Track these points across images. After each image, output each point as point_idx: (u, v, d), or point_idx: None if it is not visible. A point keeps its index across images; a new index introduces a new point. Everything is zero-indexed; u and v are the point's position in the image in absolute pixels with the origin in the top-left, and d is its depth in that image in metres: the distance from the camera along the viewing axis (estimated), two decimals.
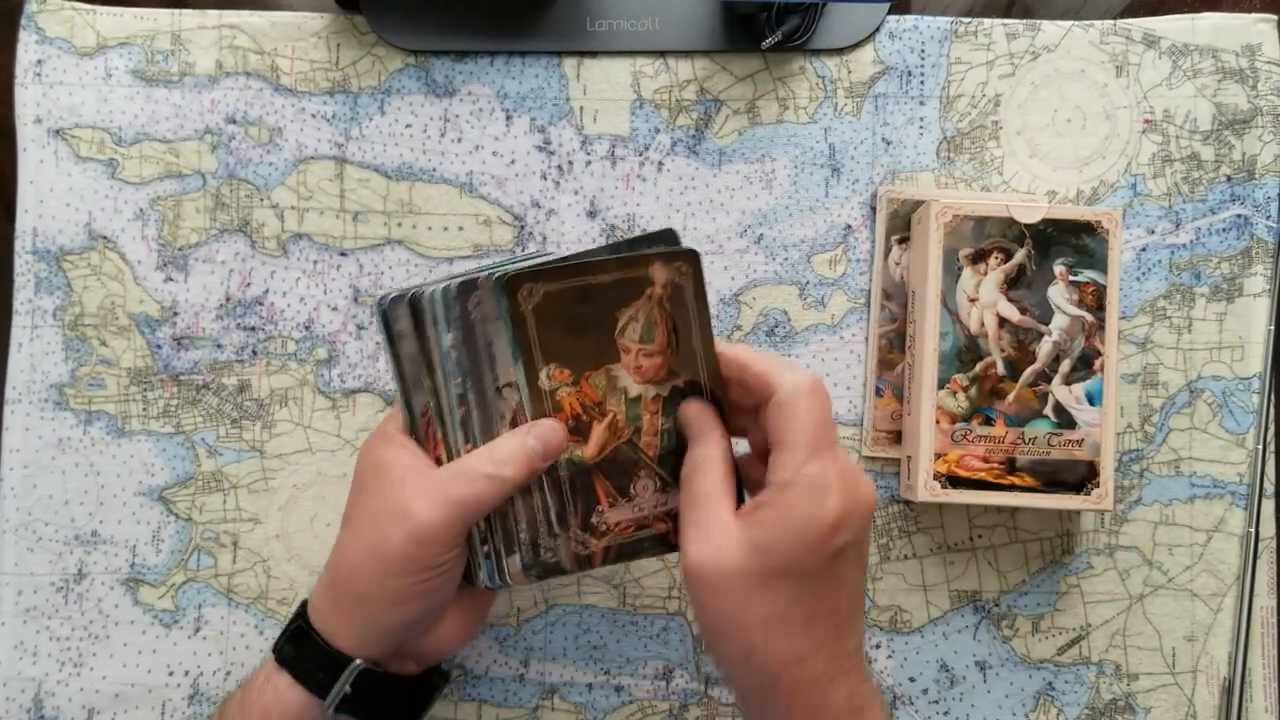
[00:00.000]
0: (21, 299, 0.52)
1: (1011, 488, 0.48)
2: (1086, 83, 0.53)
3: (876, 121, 0.53)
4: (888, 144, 0.53)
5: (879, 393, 0.52)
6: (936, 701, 0.51)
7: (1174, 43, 0.53)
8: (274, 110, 0.53)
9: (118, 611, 0.51)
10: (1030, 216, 0.48)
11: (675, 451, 0.41)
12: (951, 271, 0.48)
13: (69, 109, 0.52)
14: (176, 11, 0.53)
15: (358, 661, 0.41)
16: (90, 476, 0.51)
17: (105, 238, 0.52)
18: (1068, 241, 0.48)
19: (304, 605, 0.43)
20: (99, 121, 0.52)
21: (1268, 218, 0.52)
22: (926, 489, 0.48)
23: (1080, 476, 0.48)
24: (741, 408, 0.41)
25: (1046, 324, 0.48)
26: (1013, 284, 0.48)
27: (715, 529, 0.37)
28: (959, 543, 0.52)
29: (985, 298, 0.48)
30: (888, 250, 0.52)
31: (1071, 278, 0.48)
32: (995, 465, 0.48)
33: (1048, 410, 0.48)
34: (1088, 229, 0.48)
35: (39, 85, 0.52)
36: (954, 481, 0.48)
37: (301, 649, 0.42)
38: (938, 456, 0.48)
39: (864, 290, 0.52)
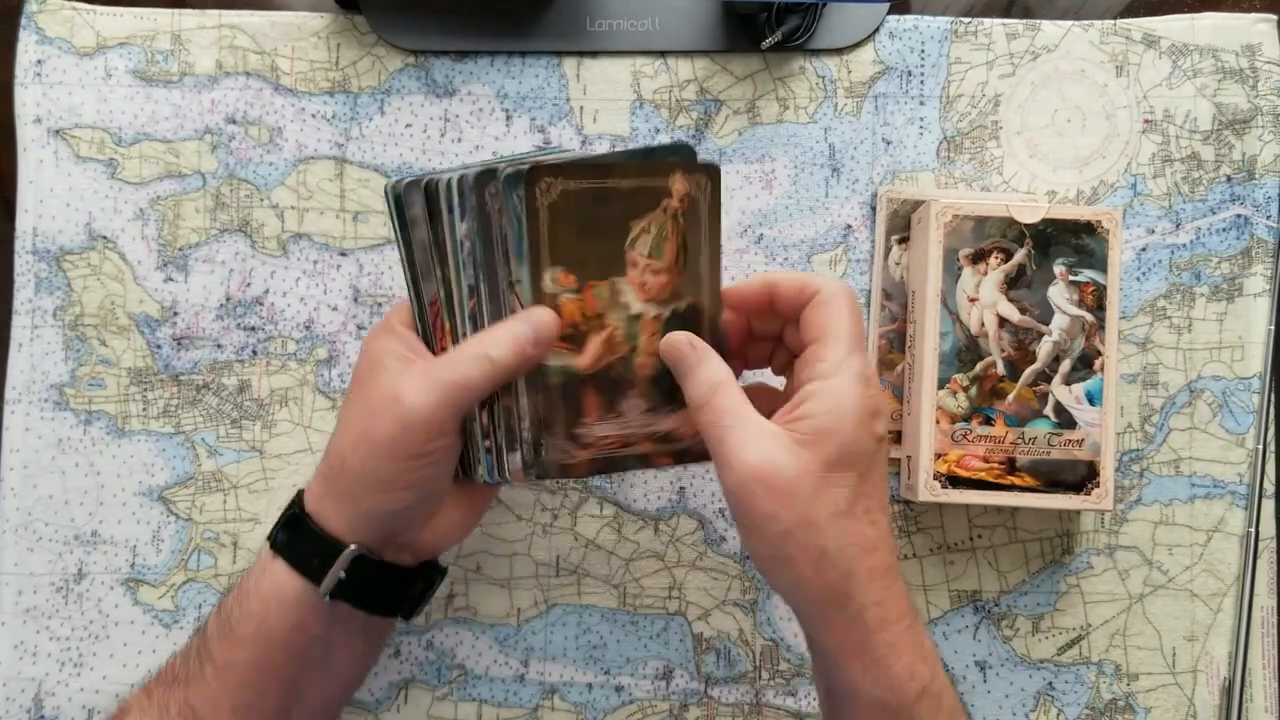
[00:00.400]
0: (21, 299, 0.52)
1: (1011, 488, 0.48)
2: (1086, 83, 0.53)
3: (876, 121, 0.53)
4: (888, 144, 0.53)
5: None
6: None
7: (1174, 43, 0.53)
8: (274, 110, 0.53)
9: (118, 611, 0.51)
10: (1030, 216, 0.48)
11: (669, 375, 0.41)
12: (951, 271, 0.48)
13: (69, 109, 0.52)
14: (176, 11, 0.53)
15: (352, 547, 0.41)
16: (90, 476, 0.51)
17: (105, 238, 0.52)
18: (1068, 241, 0.48)
19: (300, 493, 0.43)
20: (99, 121, 0.52)
21: (1268, 218, 0.52)
22: (926, 489, 0.48)
23: (1080, 476, 0.48)
24: (765, 335, 0.42)
25: (1046, 324, 0.48)
26: (1013, 284, 0.48)
27: (760, 435, 0.37)
28: (959, 543, 0.52)
29: (985, 298, 0.48)
30: (888, 250, 0.52)
31: (1071, 277, 0.48)
32: (995, 465, 0.48)
33: (1048, 410, 0.48)
34: (1088, 229, 0.48)
35: (39, 85, 0.52)
36: (954, 481, 0.48)
37: (295, 535, 0.42)
38: (938, 456, 0.48)
39: (864, 290, 0.52)
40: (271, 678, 0.41)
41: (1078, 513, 0.52)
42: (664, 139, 0.53)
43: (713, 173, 0.41)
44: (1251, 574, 0.51)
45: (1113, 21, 0.53)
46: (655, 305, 0.41)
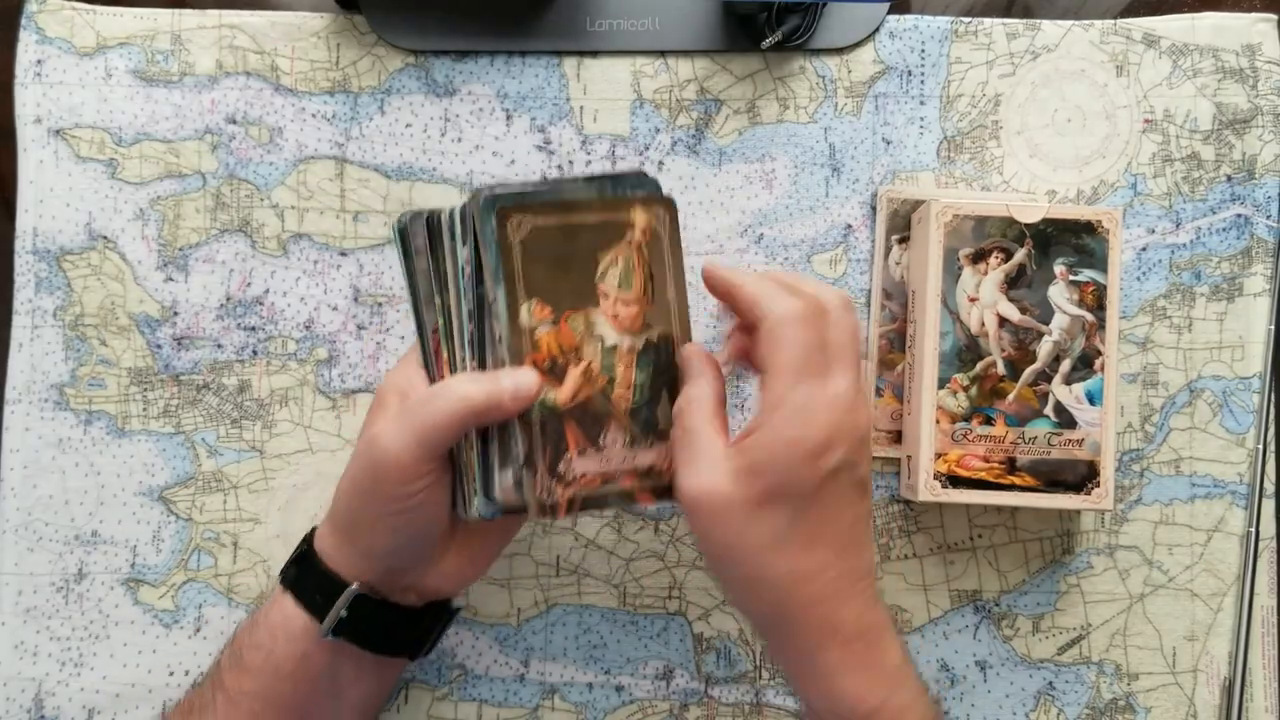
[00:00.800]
0: (21, 299, 0.52)
1: (1012, 487, 0.48)
2: (1086, 82, 0.53)
3: (877, 121, 0.53)
4: (888, 144, 0.53)
5: (879, 393, 0.52)
6: (936, 701, 0.51)
7: (1174, 42, 0.53)
8: (274, 110, 0.53)
9: (118, 611, 0.51)
10: (1030, 216, 0.48)
11: (647, 405, 0.41)
12: (951, 271, 0.48)
13: (69, 109, 0.52)
14: (176, 11, 0.53)
15: (354, 586, 0.41)
16: (90, 476, 0.51)
17: (105, 238, 0.52)
18: (1068, 241, 0.48)
19: (313, 530, 0.44)
20: (99, 121, 0.52)
21: (1268, 217, 0.52)
22: (927, 489, 0.48)
23: (1080, 476, 0.48)
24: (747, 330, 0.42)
25: (1047, 324, 0.48)
26: (1013, 284, 0.48)
27: (705, 460, 0.38)
28: (959, 542, 0.52)
29: (985, 297, 0.48)
30: (888, 250, 0.52)
31: (1072, 277, 0.48)
32: (995, 465, 0.48)
33: (1048, 410, 0.48)
34: (1088, 229, 0.48)
35: (39, 85, 0.52)
36: (954, 481, 0.48)
37: (303, 571, 0.43)
38: (938, 456, 0.48)
39: (864, 290, 0.52)
40: (280, 708, 0.42)
41: (1078, 512, 0.52)
42: (664, 139, 0.53)
43: (669, 205, 0.41)
44: (1252, 574, 0.51)
45: (1113, 21, 0.53)
46: (629, 336, 0.41)
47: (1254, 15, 0.53)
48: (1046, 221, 0.48)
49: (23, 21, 0.52)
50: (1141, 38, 0.53)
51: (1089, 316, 0.48)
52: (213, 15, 0.53)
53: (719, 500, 0.38)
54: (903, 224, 0.52)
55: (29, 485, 0.51)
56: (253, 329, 0.52)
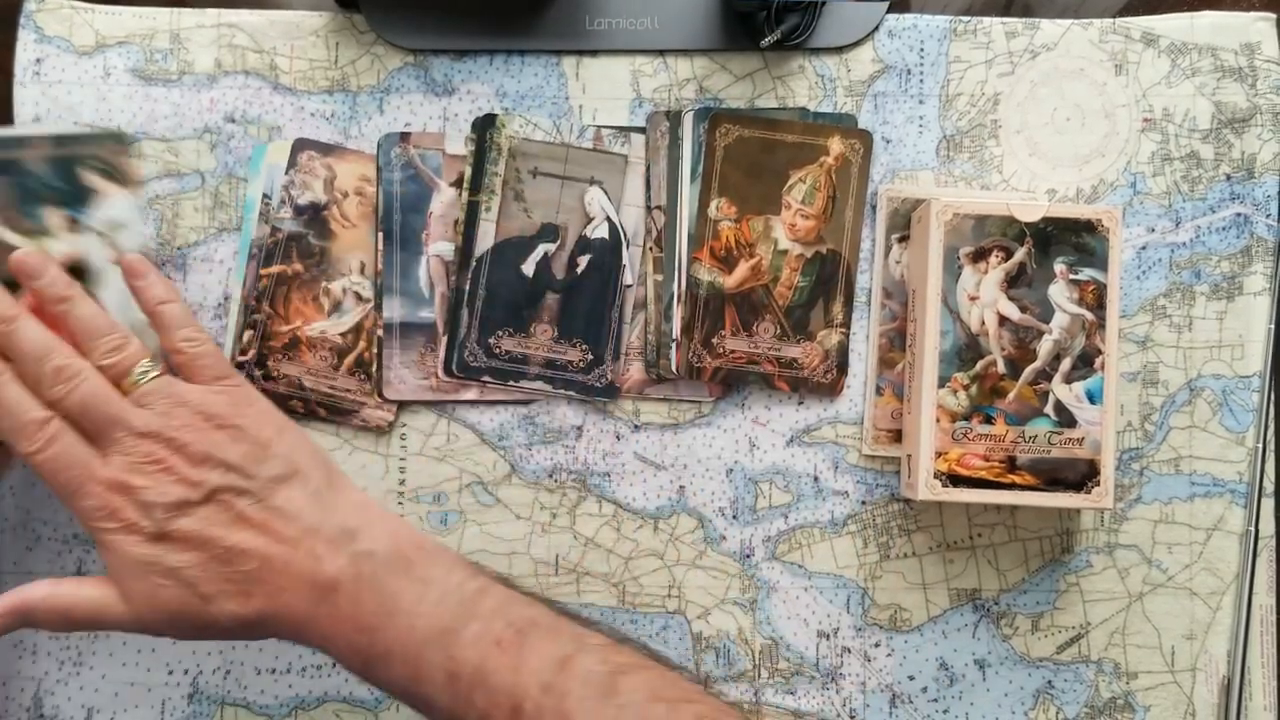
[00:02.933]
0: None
1: (1012, 486, 0.48)
2: (1086, 81, 0.53)
3: (876, 120, 0.53)
4: (887, 142, 0.53)
5: (879, 391, 0.52)
6: (936, 700, 0.51)
7: (1173, 41, 0.53)
8: (273, 109, 0.52)
9: None
10: (1030, 215, 0.48)
11: (803, 307, 0.50)
12: (952, 270, 0.48)
13: (68, 108, 0.52)
14: (175, 10, 0.53)
15: None
16: None
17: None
18: (1068, 240, 0.48)
19: None
20: (98, 120, 0.52)
21: (1267, 216, 0.52)
22: (927, 488, 0.48)
23: (1080, 475, 0.48)
24: None
25: (1047, 322, 0.48)
26: (1013, 282, 0.48)
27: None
28: (958, 541, 0.52)
29: (986, 296, 0.48)
30: (888, 249, 0.52)
31: (1072, 276, 0.48)
32: (996, 464, 0.48)
33: (1048, 409, 0.48)
34: (1088, 227, 0.48)
35: (38, 84, 0.52)
36: (954, 480, 0.48)
37: None
38: (938, 455, 0.48)
39: (864, 289, 0.52)
40: None
41: (1078, 511, 0.52)
42: None
43: (866, 138, 0.50)
44: (1251, 572, 0.51)
45: (1112, 20, 0.53)
46: (800, 245, 0.49)
47: (1253, 14, 0.53)
48: (1046, 220, 0.48)
49: (22, 20, 0.52)
50: (1140, 36, 0.53)
51: (1089, 315, 0.48)
52: (211, 14, 0.53)
53: None
54: (903, 223, 0.52)
55: (27, 484, 0.51)
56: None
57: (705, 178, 0.50)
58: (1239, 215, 0.53)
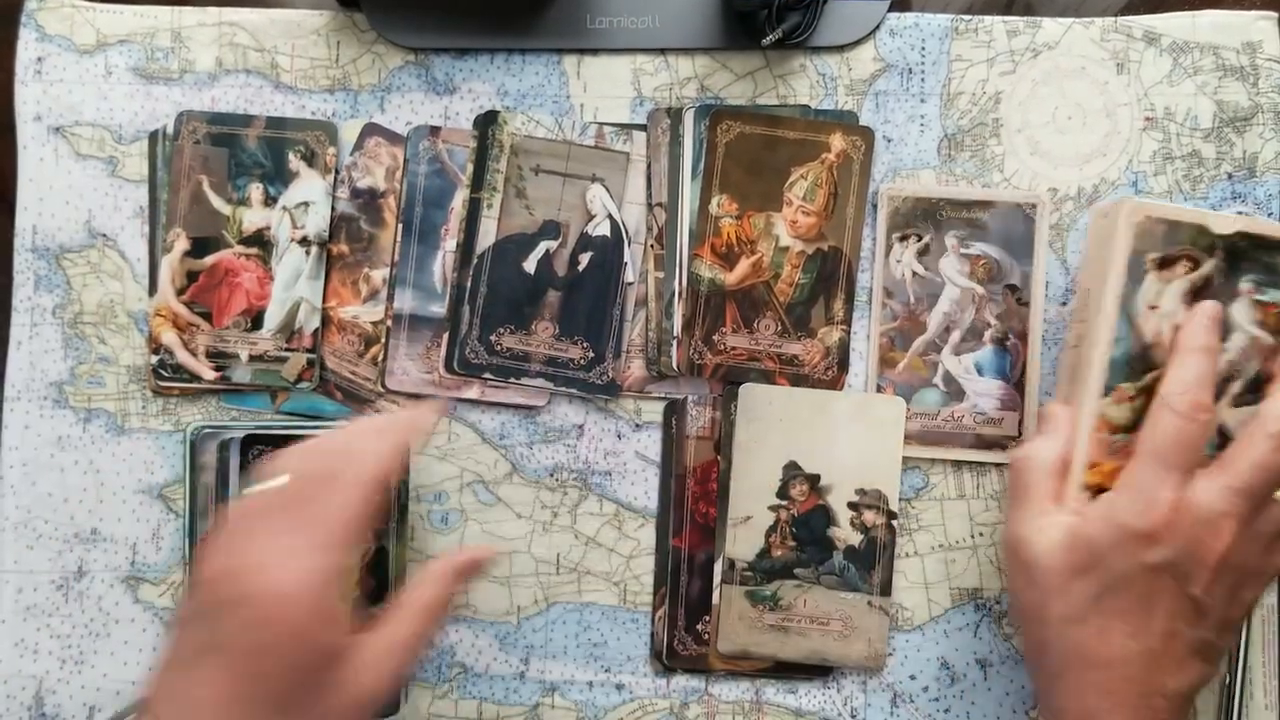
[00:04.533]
0: (21, 296, 0.52)
1: None
2: (1087, 80, 0.53)
3: (877, 119, 0.53)
4: (888, 141, 0.53)
5: (879, 389, 0.52)
6: (937, 699, 0.51)
7: (1174, 40, 0.53)
8: (274, 108, 0.52)
9: (118, 609, 0.51)
10: (1225, 227, 0.45)
11: (804, 304, 0.49)
12: (1136, 275, 0.45)
13: (69, 106, 0.52)
14: (176, 9, 0.53)
15: None
16: (90, 474, 0.51)
17: (105, 235, 0.52)
18: (1259, 258, 0.45)
19: None
20: (99, 119, 0.52)
21: (1269, 215, 0.52)
22: (1075, 499, 0.44)
23: None
24: None
25: (1224, 342, 0.45)
26: (1196, 295, 0.45)
27: (1035, 513, 0.41)
28: (959, 541, 0.52)
29: (1167, 306, 0.45)
30: (889, 248, 0.52)
31: (1256, 296, 0.45)
32: None
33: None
34: None
35: (39, 83, 0.52)
36: (1100, 494, 0.43)
37: None
38: (1091, 466, 0.44)
39: (865, 288, 0.52)
40: None
41: None
42: None
43: (867, 134, 0.50)
44: None
45: (1113, 19, 0.53)
46: (801, 242, 0.49)
47: (1254, 13, 0.53)
48: (1241, 235, 0.45)
49: (23, 19, 0.52)
50: (1142, 35, 0.53)
51: (1268, 339, 0.45)
52: (213, 13, 0.53)
53: (1034, 564, 0.40)
54: (904, 222, 0.52)
55: (28, 483, 0.51)
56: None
57: (706, 175, 0.50)
58: (1240, 214, 0.52)
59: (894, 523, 0.49)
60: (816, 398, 0.50)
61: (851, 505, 0.49)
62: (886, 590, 0.49)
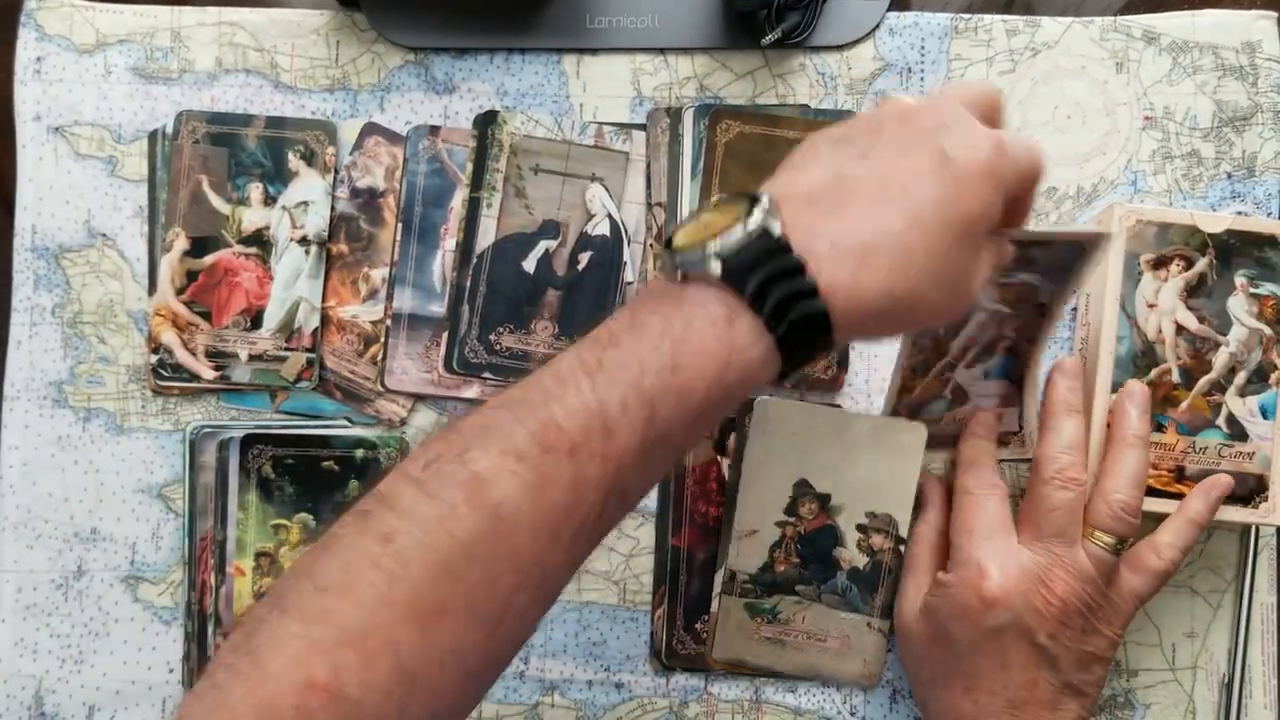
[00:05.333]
0: (20, 296, 0.52)
1: (1179, 496, 0.47)
2: (1086, 79, 0.53)
3: None
4: None
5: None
6: None
7: (1174, 39, 0.53)
8: (274, 107, 0.52)
9: (118, 609, 0.51)
10: (1214, 225, 0.48)
11: None
12: (1132, 276, 0.48)
13: (68, 106, 0.52)
14: (176, 9, 0.53)
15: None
16: (89, 474, 0.51)
17: (104, 235, 0.52)
18: (1250, 254, 0.48)
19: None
20: (98, 119, 0.52)
21: (1268, 214, 0.52)
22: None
23: (1249, 490, 0.47)
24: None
25: (1224, 334, 0.48)
26: (1193, 292, 0.48)
27: (911, 591, 0.47)
28: None
29: (1164, 304, 0.48)
30: None
31: (1252, 290, 0.48)
32: (1164, 472, 0.47)
33: (1220, 421, 0.48)
34: (1271, 242, 0.48)
35: (38, 82, 0.52)
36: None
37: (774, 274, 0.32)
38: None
39: None
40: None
41: None
42: None
43: None
44: (1252, 570, 0.51)
45: (1113, 18, 0.53)
46: None
47: (1254, 12, 0.53)
48: (1230, 232, 0.48)
49: (22, 19, 0.52)
50: (1141, 34, 0.53)
51: (1267, 330, 0.48)
52: (212, 12, 0.53)
53: (907, 630, 0.47)
54: None
55: (28, 482, 0.51)
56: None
57: (706, 174, 0.50)
58: (1240, 214, 0.52)
59: (902, 548, 0.48)
60: (836, 417, 0.49)
61: (860, 528, 0.48)
62: (887, 613, 0.49)
